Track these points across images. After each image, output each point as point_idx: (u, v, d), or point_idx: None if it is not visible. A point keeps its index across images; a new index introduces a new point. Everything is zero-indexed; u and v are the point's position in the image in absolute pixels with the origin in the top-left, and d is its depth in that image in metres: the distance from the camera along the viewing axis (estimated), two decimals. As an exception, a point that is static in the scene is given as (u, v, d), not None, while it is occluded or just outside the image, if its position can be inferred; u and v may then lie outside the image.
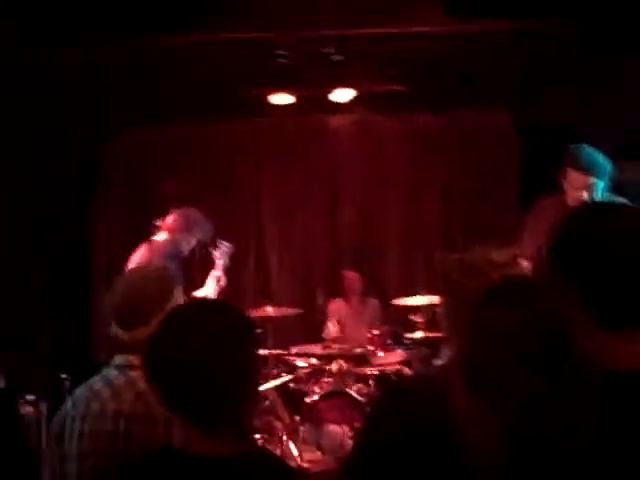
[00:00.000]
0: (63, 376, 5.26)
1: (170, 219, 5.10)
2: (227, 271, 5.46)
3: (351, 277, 6.95)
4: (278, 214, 7.65)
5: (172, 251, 4.97)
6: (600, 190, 4.04)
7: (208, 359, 1.72)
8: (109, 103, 6.83)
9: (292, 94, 6.67)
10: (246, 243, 7.59)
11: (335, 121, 7.65)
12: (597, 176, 4.01)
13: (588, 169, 4.02)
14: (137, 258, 4.97)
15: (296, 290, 7.55)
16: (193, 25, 5.33)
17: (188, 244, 5.08)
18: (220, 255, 5.36)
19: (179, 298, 2.39)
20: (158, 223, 5.14)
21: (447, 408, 1.64)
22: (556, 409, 1.39)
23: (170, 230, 5.05)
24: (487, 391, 1.48)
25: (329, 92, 6.76)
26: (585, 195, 4.03)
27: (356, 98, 6.91)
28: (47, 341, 6.64)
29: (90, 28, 5.24)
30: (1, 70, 5.64)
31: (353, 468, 1.87)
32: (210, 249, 5.38)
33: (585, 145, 4.24)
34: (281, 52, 6.02)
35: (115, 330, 2.36)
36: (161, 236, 5.07)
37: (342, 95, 6.77)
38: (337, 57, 6.25)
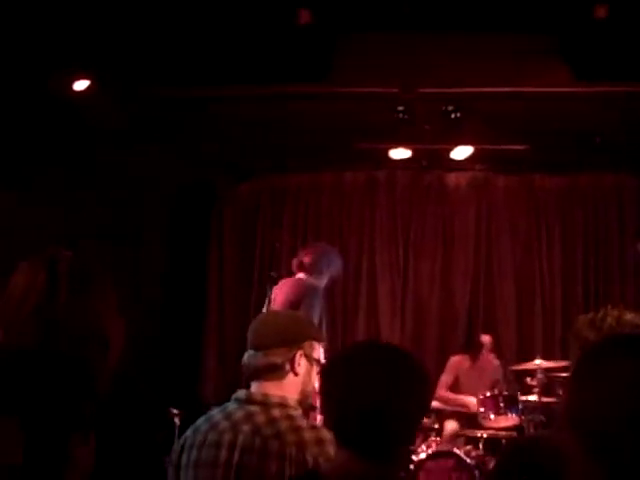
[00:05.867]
0: (174, 411, 5.39)
1: (308, 257, 5.01)
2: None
3: (485, 340, 6.75)
4: (389, 270, 7.57)
5: (316, 289, 4.86)
6: None
7: (382, 401, 1.76)
8: (228, 151, 7.06)
9: (410, 149, 6.67)
10: (356, 297, 7.56)
11: (452, 178, 7.60)
12: None
13: None
14: (283, 296, 4.80)
15: (408, 348, 7.42)
16: (316, 76, 5.45)
17: (325, 281, 5.01)
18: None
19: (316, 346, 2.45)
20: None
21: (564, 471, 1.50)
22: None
23: (309, 268, 4.96)
24: (602, 453, 1.30)
25: (447, 149, 6.73)
26: None
27: (474, 156, 6.84)
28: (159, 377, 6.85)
29: (214, 76, 5.42)
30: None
31: None
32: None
33: None
34: (401, 108, 6.06)
35: (249, 355, 2.39)
36: (302, 275, 4.98)
37: (460, 152, 6.72)
38: (457, 114, 6.23)
